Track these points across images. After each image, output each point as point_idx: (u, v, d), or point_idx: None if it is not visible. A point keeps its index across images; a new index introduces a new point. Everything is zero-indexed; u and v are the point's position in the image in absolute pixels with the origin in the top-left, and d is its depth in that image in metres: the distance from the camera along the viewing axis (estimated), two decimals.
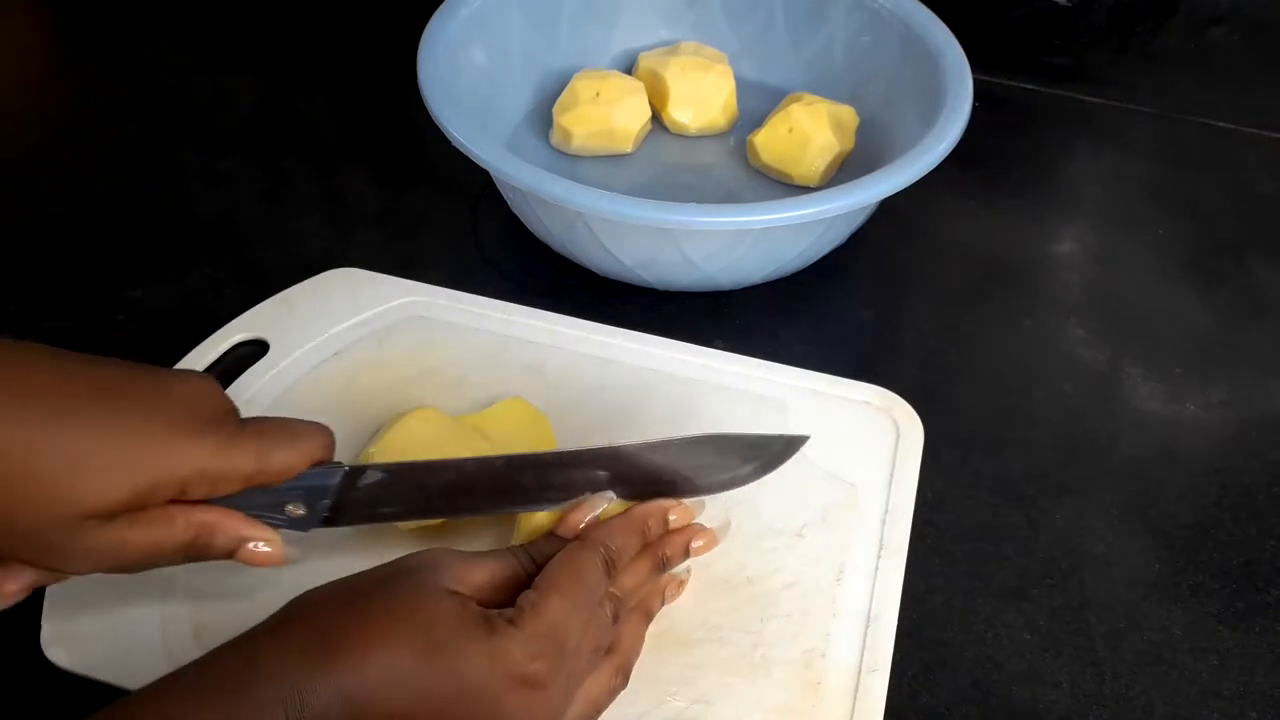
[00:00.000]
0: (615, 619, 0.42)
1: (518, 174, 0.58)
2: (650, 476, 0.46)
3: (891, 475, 0.54)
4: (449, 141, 0.60)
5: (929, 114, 0.63)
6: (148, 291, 0.65)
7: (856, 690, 0.46)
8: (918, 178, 0.59)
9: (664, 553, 0.46)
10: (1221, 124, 0.81)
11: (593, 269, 0.65)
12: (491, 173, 0.60)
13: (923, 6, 0.70)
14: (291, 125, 0.78)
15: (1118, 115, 0.82)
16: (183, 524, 0.39)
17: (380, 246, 0.68)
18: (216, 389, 0.41)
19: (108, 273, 0.66)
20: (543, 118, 0.74)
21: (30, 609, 0.46)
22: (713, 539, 0.47)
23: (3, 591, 0.39)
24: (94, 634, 0.46)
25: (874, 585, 0.49)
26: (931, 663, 0.49)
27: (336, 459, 0.44)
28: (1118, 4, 0.92)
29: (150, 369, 0.40)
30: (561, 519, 0.44)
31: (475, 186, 0.71)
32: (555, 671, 0.38)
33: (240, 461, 0.39)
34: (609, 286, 0.65)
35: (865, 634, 0.48)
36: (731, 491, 0.52)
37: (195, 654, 0.45)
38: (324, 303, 0.60)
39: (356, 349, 0.59)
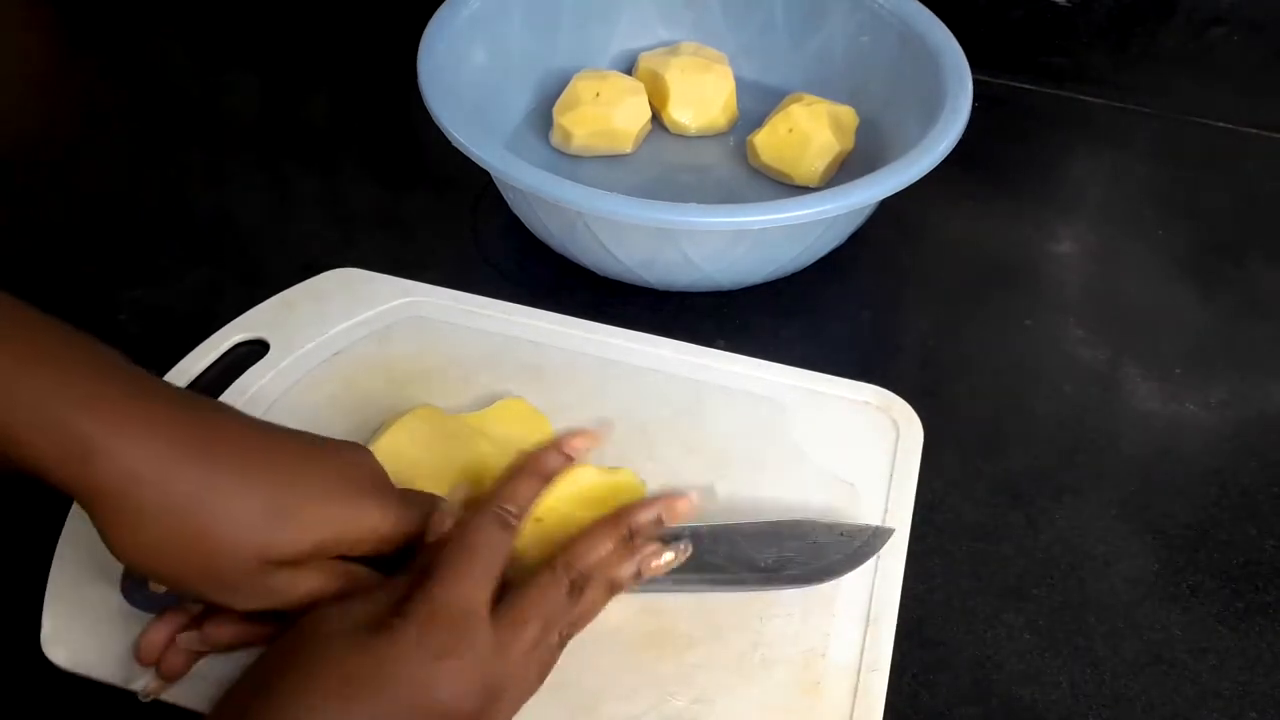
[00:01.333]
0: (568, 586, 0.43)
1: (518, 174, 0.58)
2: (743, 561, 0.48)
3: (891, 475, 0.54)
4: (449, 141, 0.60)
5: (929, 114, 0.63)
6: (148, 291, 0.65)
7: (856, 690, 0.46)
8: (918, 178, 0.59)
9: (631, 522, 0.46)
10: (1221, 124, 0.81)
11: (593, 269, 0.65)
12: (491, 173, 0.60)
13: (923, 7, 0.70)
14: (292, 125, 0.78)
15: (1118, 115, 0.82)
16: (341, 573, 0.42)
17: (380, 246, 0.68)
18: (374, 460, 0.45)
19: (108, 273, 0.66)
20: (543, 118, 0.74)
21: (30, 609, 0.46)
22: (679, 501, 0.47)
23: (173, 674, 0.44)
24: (94, 634, 0.46)
25: (874, 585, 0.49)
26: (931, 663, 0.49)
27: None
28: (1118, 4, 0.91)
29: (320, 437, 0.44)
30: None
31: (475, 186, 0.71)
32: (462, 640, 0.39)
33: (403, 527, 0.43)
34: (609, 286, 0.65)
35: (865, 634, 0.48)
36: (732, 494, 0.53)
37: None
38: (324, 303, 0.60)
39: (356, 349, 0.59)
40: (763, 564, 0.48)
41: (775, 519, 0.50)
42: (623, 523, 0.46)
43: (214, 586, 0.40)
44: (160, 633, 0.44)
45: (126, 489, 0.37)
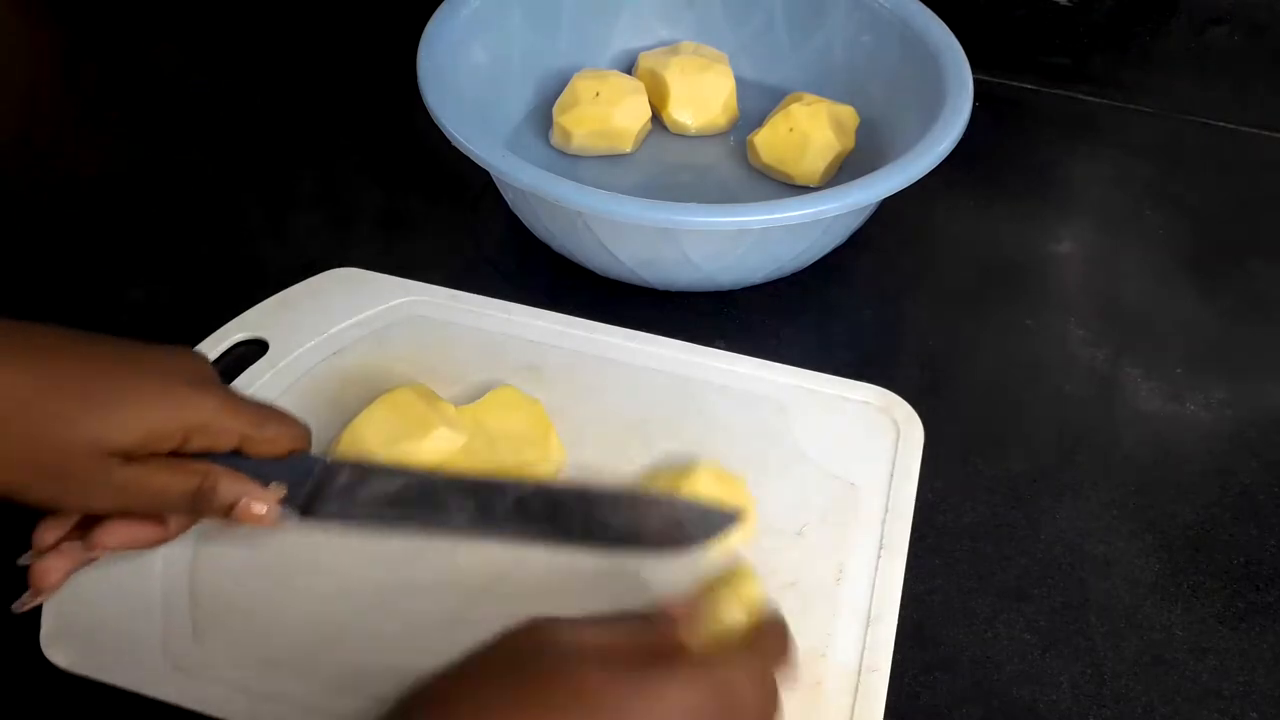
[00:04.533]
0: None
1: (518, 174, 0.58)
2: (618, 530, 0.46)
3: (891, 475, 0.54)
4: (449, 141, 0.60)
5: (929, 114, 0.63)
6: (148, 291, 0.65)
7: (856, 690, 0.46)
8: (918, 178, 0.59)
9: None
10: (1221, 124, 0.81)
11: (593, 269, 0.65)
12: (491, 173, 0.60)
13: (923, 6, 0.70)
14: (291, 125, 0.78)
15: (1118, 115, 0.82)
16: (192, 470, 0.43)
17: (380, 246, 0.68)
18: (206, 360, 0.46)
19: (108, 273, 0.66)
20: (543, 118, 0.74)
21: (30, 609, 0.46)
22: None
23: (46, 584, 0.44)
24: (94, 634, 0.46)
25: (874, 585, 0.49)
26: (931, 663, 0.49)
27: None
28: (1118, 4, 0.92)
29: (137, 343, 0.44)
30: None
31: (475, 186, 0.71)
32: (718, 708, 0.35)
33: (238, 421, 0.44)
34: (609, 286, 0.65)
35: (865, 634, 0.48)
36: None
37: (195, 655, 0.45)
38: (324, 303, 0.60)
39: (356, 349, 0.59)
40: (615, 529, 0.46)
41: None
42: None
43: (60, 489, 0.41)
44: (47, 537, 0.44)
45: None
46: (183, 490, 0.42)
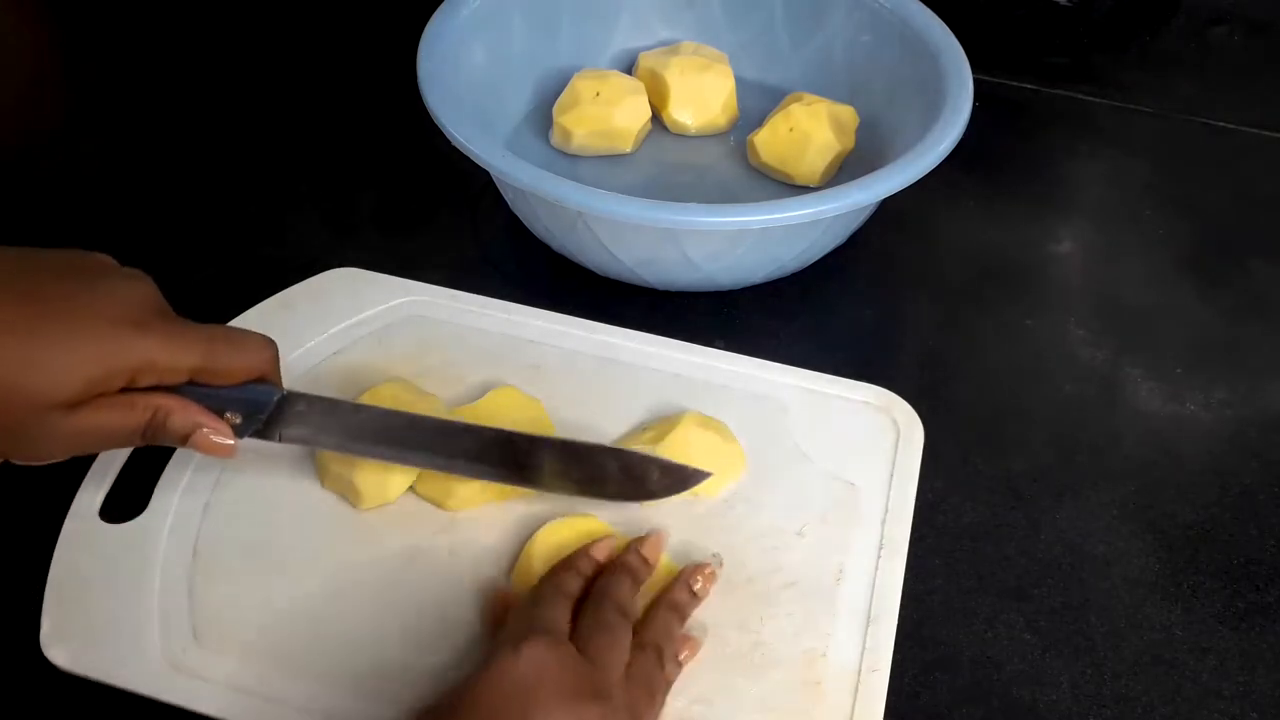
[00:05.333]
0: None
1: (518, 174, 0.58)
2: (587, 475, 0.50)
3: (891, 475, 0.54)
4: (449, 141, 0.60)
5: (929, 114, 0.63)
6: None
7: (856, 690, 0.46)
8: (918, 178, 0.59)
9: (628, 566, 0.47)
10: (1221, 124, 0.81)
11: (593, 269, 0.65)
12: (491, 173, 0.60)
13: (923, 6, 0.70)
14: (292, 125, 0.78)
15: (1118, 115, 0.82)
16: (142, 406, 0.42)
17: (380, 246, 0.68)
18: (153, 288, 0.43)
19: None
20: (543, 118, 0.74)
21: (30, 609, 0.46)
22: (656, 539, 0.50)
23: None
24: (94, 634, 0.46)
25: (874, 585, 0.49)
26: (931, 663, 0.49)
27: None
28: (1118, 4, 0.91)
29: (90, 261, 0.43)
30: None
31: (475, 186, 0.71)
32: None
33: (186, 355, 0.43)
34: (609, 286, 0.65)
35: (865, 634, 0.48)
36: (733, 489, 0.53)
37: (195, 654, 0.45)
38: (324, 303, 0.60)
39: (356, 349, 0.59)
40: (577, 477, 0.50)
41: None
42: (620, 564, 0.48)
43: (7, 444, 0.40)
44: None
45: None
46: (133, 427, 0.42)
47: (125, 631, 0.46)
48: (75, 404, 0.40)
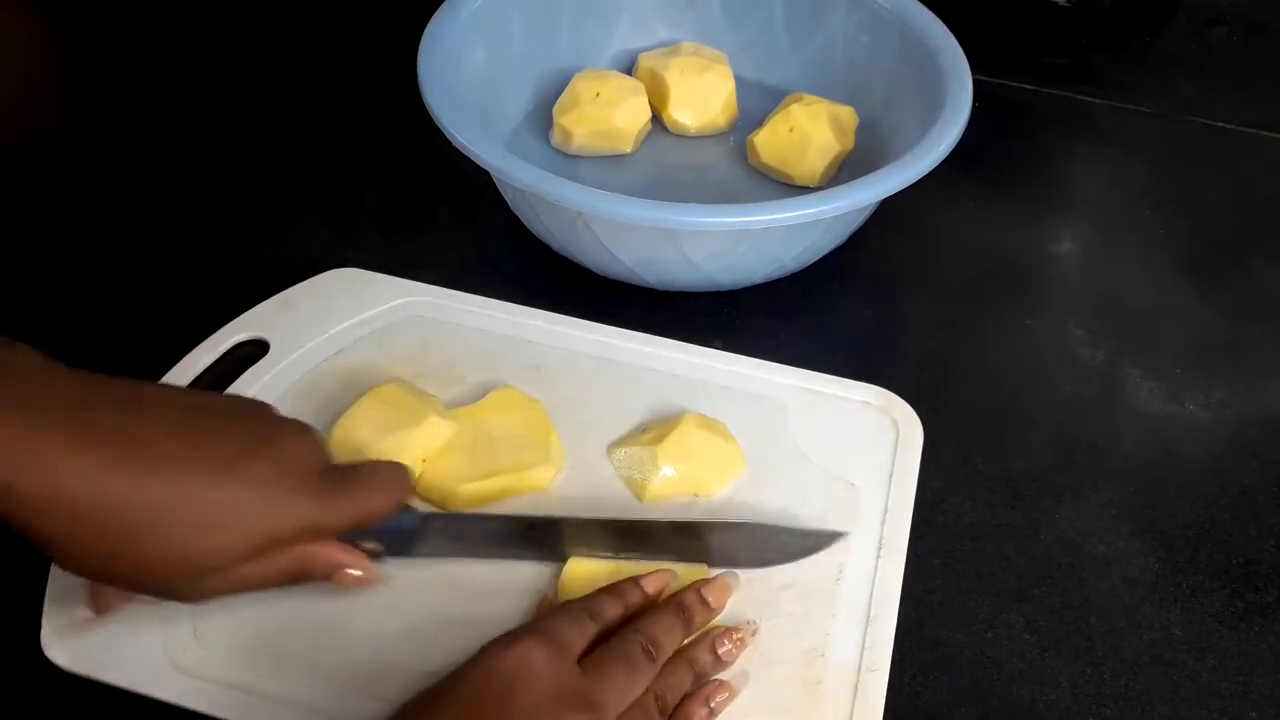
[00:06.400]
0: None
1: (518, 174, 0.58)
2: (706, 551, 0.50)
3: (891, 475, 0.54)
4: (449, 141, 0.60)
5: (929, 114, 0.63)
6: (148, 291, 0.65)
7: (856, 690, 0.46)
8: (918, 178, 0.59)
9: (687, 614, 0.46)
10: (1221, 124, 0.81)
11: (593, 269, 0.65)
12: (491, 173, 0.60)
13: (923, 6, 0.70)
14: (292, 125, 0.78)
15: (1118, 115, 0.82)
16: (288, 558, 0.42)
17: (380, 246, 0.68)
18: (316, 440, 0.44)
19: (108, 273, 0.66)
20: (543, 118, 0.74)
21: (30, 609, 0.46)
22: (723, 585, 0.48)
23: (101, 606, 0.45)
24: (94, 634, 0.46)
25: (873, 585, 0.49)
26: (931, 663, 0.49)
27: None
28: (1118, 4, 0.91)
29: (254, 415, 0.44)
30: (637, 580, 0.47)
31: (475, 186, 0.71)
32: None
33: (343, 516, 0.44)
34: (609, 286, 0.65)
35: (865, 634, 0.48)
36: (733, 489, 0.53)
37: (195, 654, 0.46)
38: (324, 303, 0.60)
39: (356, 349, 0.59)
40: (694, 549, 0.50)
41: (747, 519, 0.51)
42: (680, 608, 0.46)
43: (163, 592, 0.42)
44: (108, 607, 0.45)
45: (54, 504, 0.37)
46: (278, 576, 0.42)
47: (125, 631, 0.46)
48: (233, 565, 0.41)
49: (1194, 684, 0.49)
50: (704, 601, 0.47)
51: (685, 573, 0.48)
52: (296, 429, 0.44)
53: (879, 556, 0.50)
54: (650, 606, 0.46)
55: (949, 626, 0.50)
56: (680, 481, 0.52)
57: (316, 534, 0.43)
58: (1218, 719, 0.48)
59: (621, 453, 0.54)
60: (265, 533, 0.41)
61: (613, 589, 0.46)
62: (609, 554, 0.49)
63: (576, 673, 0.40)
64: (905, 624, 0.48)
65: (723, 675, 0.46)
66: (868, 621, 0.48)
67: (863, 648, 0.47)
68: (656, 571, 0.48)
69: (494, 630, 0.42)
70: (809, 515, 0.52)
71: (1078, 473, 0.57)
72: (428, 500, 0.52)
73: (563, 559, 0.49)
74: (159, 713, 0.44)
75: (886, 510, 0.52)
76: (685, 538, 0.50)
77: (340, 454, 0.51)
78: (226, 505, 0.40)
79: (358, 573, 0.45)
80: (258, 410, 0.44)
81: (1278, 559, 0.54)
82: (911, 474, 0.54)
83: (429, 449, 0.51)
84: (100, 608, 0.45)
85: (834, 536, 0.50)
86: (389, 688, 0.45)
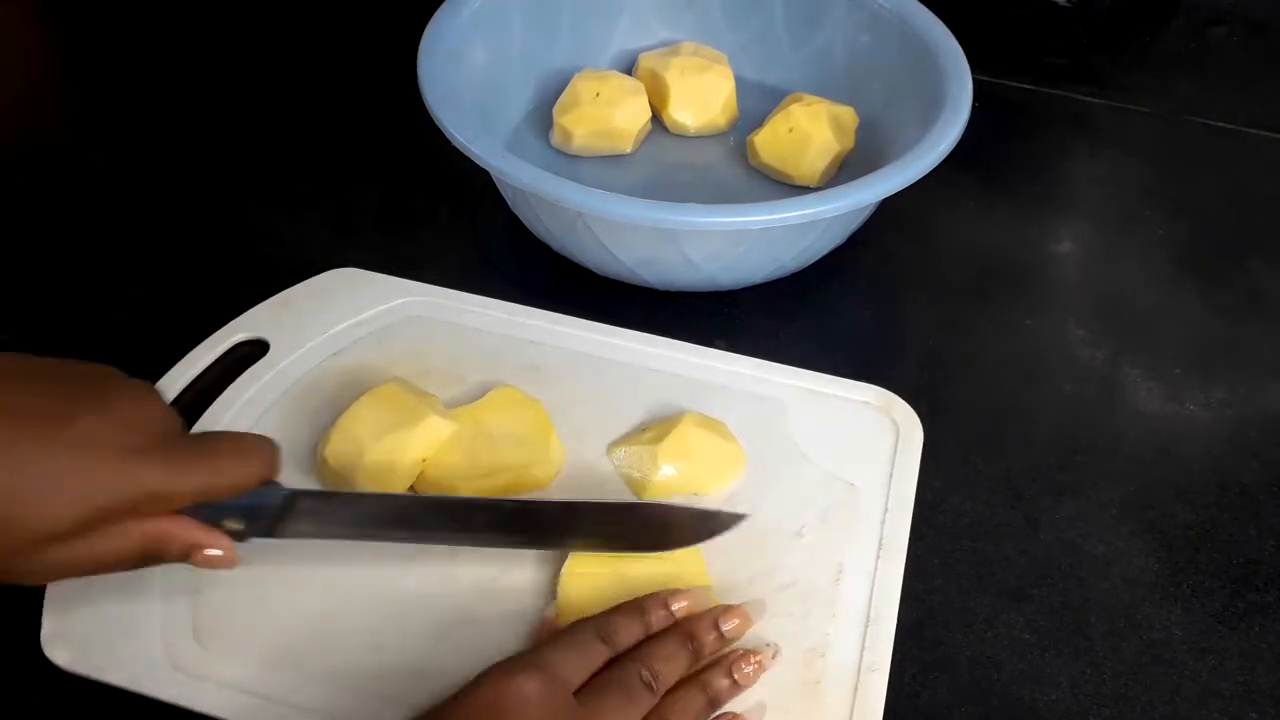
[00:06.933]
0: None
1: (518, 174, 0.58)
2: (611, 533, 0.48)
3: (891, 475, 0.54)
4: (449, 141, 0.60)
5: (929, 114, 0.63)
6: (148, 291, 0.65)
7: (856, 690, 0.46)
8: (918, 178, 0.59)
9: (696, 642, 0.45)
10: (1221, 124, 0.81)
11: (593, 269, 0.65)
12: (491, 173, 0.60)
13: (923, 6, 0.70)
14: (292, 125, 0.78)
15: (1118, 115, 0.82)
16: (137, 534, 0.39)
17: (380, 246, 0.68)
18: (160, 402, 0.41)
19: (108, 273, 0.66)
20: (543, 118, 0.74)
21: (30, 609, 0.46)
22: (744, 615, 0.46)
23: None
24: (94, 634, 0.46)
25: (873, 585, 0.49)
26: (931, 663, 0.49)
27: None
28: (1118, 4, 0.91)
29: (91, 376, 0.40)
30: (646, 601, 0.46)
31: (475, 186, 0.71)
32: None
33: (190, 482, 0.40)
34: (609, 286, 0.65)
35: (865, 634, 0.48)
36: (733, 489, 0.53)
37: (196, 654, 0.46)
38: (324, 303, 0.60)
39: (356, 349, 0.59)
40: (603, 535, 0.48)
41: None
42: (689, 638, 0.45)
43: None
44: None
45: None
46: (126, 556, 0.39)
47: (125, 631, 0.46)
48: (68, 536, 0.37)
49: (1194, 684, 0.49)
50: (718, 630, 0.45)
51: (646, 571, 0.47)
52: (137, 387, 0.40)
53: (879, 556, 0.50)
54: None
55: (949, 626, 0.50)
56: (680, 481, 0.52)
57: (160, 505, 0.39)
58: (1218, 719, 0.48)
59: (621, 452, 0.54)
60: (96, 500, 0.37)
61: (633, 607, 0.45)
62: (497, 542, 0.47)
63: (571, 705, 0.40)
64: (905, 624, 0.48)
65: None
66: (868, 621, 0.48)
67: (863, 648, 0.47)
68: (688, 590, 0.46)
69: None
70: (809, 516, 0.52)
71: (1078, 473, 0.57)
72: None
73: (445, 543, 0.47)
74: (159, 713, 0.44)
75: (886, 510, 0.52)
76: (576, 520, 0.48)
77: (340, 454, 0.51)
78: (50, 468, 0.36)
79: (217, 553, 0.41)
80: (97, 369, 0.40)
81: (1278, 559, 0.54)
82: (911, 474, 0.54)
83: (429, 448, 0.51)
84: None
85: (735, 518, 0.48)
86: (388, 688, 0.45)
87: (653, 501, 0.50)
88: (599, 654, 0.42)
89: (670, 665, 0.43)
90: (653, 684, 0.42)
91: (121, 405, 0.39)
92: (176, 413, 0.41)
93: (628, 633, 0.44)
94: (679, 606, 0.46)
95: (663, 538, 0.48)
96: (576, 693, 0.41)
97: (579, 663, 0.41)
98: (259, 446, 0.43)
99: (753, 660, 0.45)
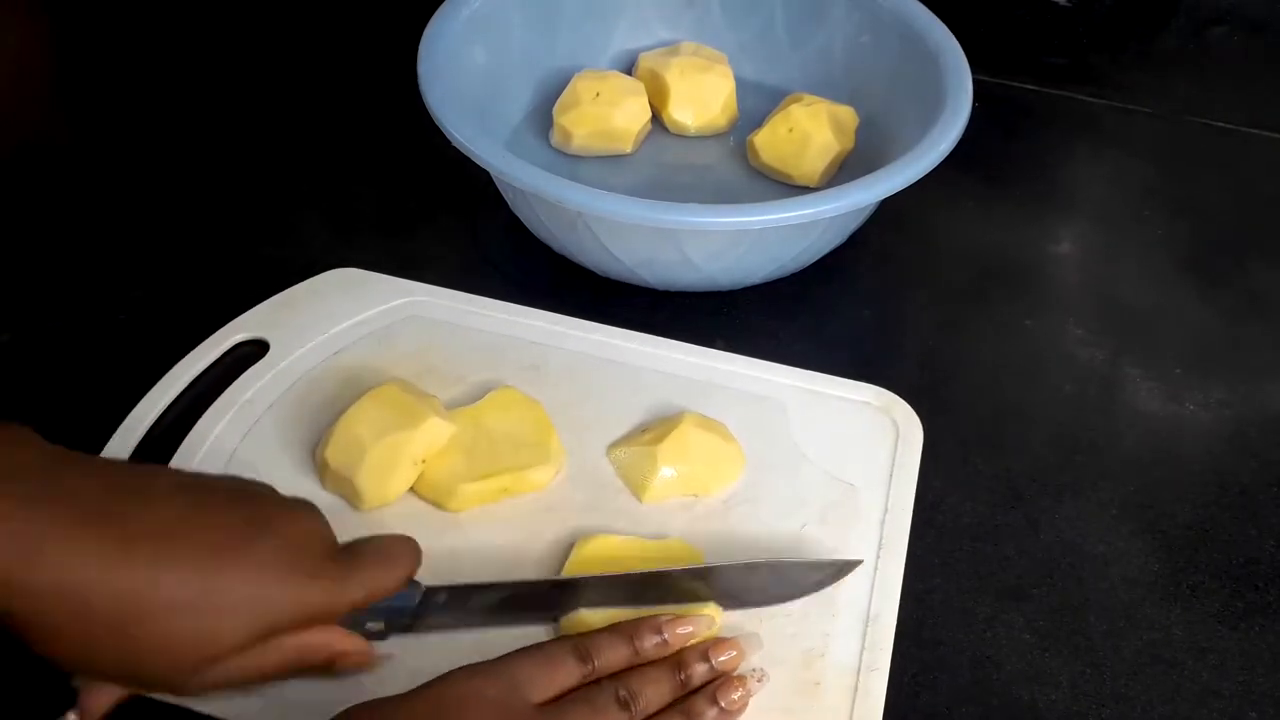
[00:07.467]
0: None
1: (518, 174, 0.58)
2: (718, 593, 0.47)
3: (891, 475, 0.54)
4: (449, 141, 0.60)
5: (929, 114, 0.63)
6: (148, 291, 0.65)
7: (855, 690, 0.46)
8: (918, 178, 0.59)
9: (685, 671, 0.44)
10: (1221, 124, 0.81)
11: (593, 269, 0.65)
12: (491, 173, 0.60)
13: (923, 6, 0.70)
14: (292, 125, 0.78)
15: (1118, 115, 0.82)
16: (291, 648, 0.40)
17: (380, 246, 0.68)
18: (320, 522, 0.42)
19: (108, 273, 0.66)
20: (543, 118, 0.74)
21: None
22: (739, 648, 0.45)
23: (94, 706, 0.40)
24: None
25: (873, 585, 0.49)
26: (931, 662, 0.49)
27: None
28: (1118, 4, 0.92)
29: (259, 498, 0.41)
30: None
31: (475, 186, 0.71)
32: None
33: (349, 598, 0.41)
34: (609, 286, 0.65)
35: (864, 634, 0.48)
36: (732, 490, 0.53)
37: None
38: (324, 303, 0.60)
39: (356, 349, 0.59)
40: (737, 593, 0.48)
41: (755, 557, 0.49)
42: (678, 666, 0.44)
43: (156, 684, 0.39)
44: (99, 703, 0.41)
45: (41, 590, 0.35)
46: (282, 667, 0.40)
47: None
48: (232, 654, 0.38)
49: (1194, 684, 0.49)
50: (709, 662, 0.44)
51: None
52: (301, 509, 0.42)
53: (878, 556, 0.50)
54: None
55: (949, 626, 0.50)
56: (680, 482, 0.52)
57: (320, 621, 0.40)
58: (1218, 719, 0.48)
59: (621, 453, 0.54)
60: (268, 620, 0.38)
61: (621, 630, 0.44)
62: (623, 606, 0.46)
63: (530, 714, 0.40)
64: (905, 624, 0.48)
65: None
66: (867, 622, 0.48)
67: (862, 648, 0.47)
68: (686, 616, 0.45)
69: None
70: (808, 516, 0.52)
71: (1078, 473, 0.57)
72: (427, 501, 0.52)
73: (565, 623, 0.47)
74: (159, 712, 0.44)
75: (886, 510, 0.52)
76: (698, 582, 0.47)
77: (339, 454, 0.51)
78: (225, 590, 0.37)
79: (359, 658, 0.42)
80: (261, 491, 0.42)
81: (1278, 559, 0.54)
82: (911, 474, 0.54)
83: (428, 449, 0.51)
84: (91, 706, 0.40)
85: (850, 566, 0.49)
86: (389, 689, 0.45)
87: (773, 561, 0.49)
88: (570, 671, 0.42)
89: (653, 688, 0.43)
90: (630, 704, 0.42)
91: (289, 528, 0.40)
92: (330, 527, 0.42)
93: (612, 654, 0.43)
94: (672, 632, 0.45)
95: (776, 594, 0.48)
96: (544, 705, 0.40)
97: (545, 675, 0.41)
98: (404, 550, 0.43)
99: (740, 687, 0.44)
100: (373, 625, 0.43)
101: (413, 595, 0.44)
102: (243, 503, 0.40)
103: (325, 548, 0.41)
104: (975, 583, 0.52)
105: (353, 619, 0.42)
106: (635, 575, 0.47)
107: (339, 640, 0.41)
